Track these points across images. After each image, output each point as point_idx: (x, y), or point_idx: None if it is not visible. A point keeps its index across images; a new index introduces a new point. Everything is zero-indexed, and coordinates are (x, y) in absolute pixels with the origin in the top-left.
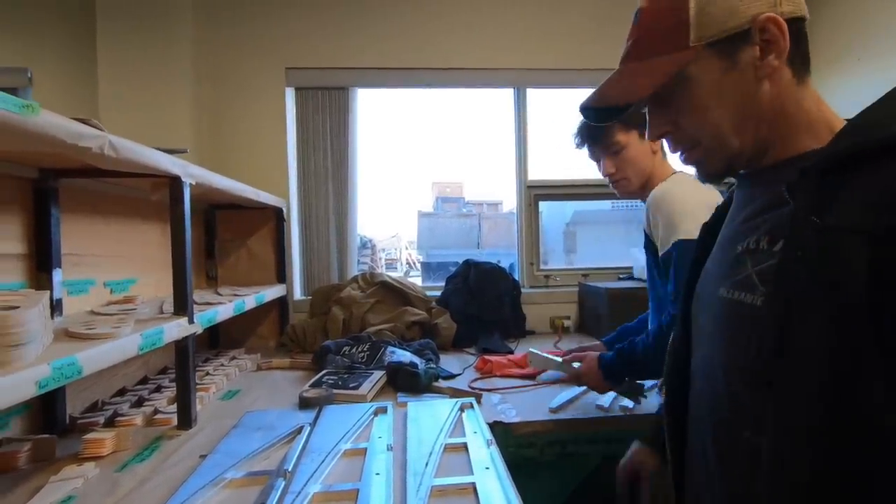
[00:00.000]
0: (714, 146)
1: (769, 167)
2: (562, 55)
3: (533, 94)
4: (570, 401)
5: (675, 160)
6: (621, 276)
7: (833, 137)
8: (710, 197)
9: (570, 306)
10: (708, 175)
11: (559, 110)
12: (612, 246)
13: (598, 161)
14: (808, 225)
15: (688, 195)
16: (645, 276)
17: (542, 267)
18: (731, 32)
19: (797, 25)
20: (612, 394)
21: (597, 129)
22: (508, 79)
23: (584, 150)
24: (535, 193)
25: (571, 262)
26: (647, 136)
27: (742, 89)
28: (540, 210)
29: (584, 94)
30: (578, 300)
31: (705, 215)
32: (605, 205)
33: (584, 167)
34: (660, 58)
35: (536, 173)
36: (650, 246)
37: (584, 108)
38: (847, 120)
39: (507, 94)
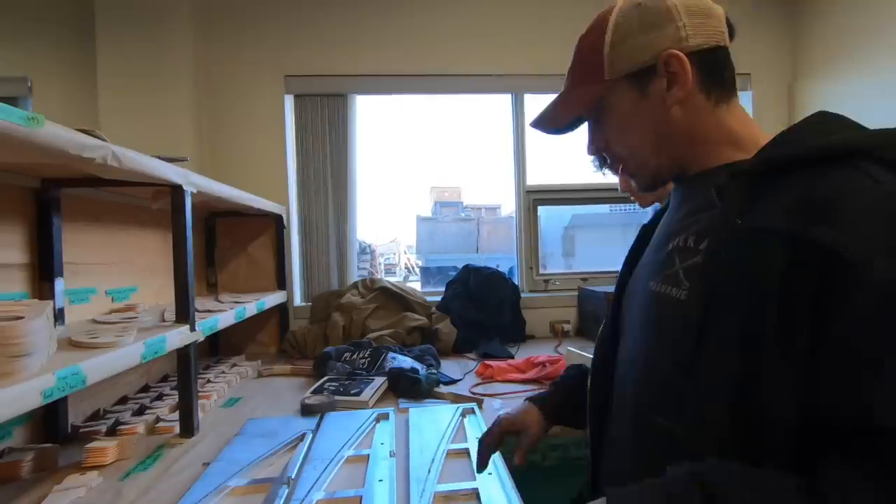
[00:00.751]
0: (636, 164)
1: (701, 174)
2: (558, 61)
3: (530, 100)
4: None
5: None
6: None
7: (760, 149)
8: None
9: (569, 310)
10: (640, 187)
11: None
12: (610, 249)
13: (618, 176)
14: (731, 225)
15: None
16: None
17: (541, 271)
18: (639, 67)
19: (711, 55)
20: None
21: None
22: (506, 84)
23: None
24: (534, 198)
25: (570, 266)
26: (586, 152)
27: (654, 116)
28: (539, 214)
29: None
30: (578, 304)
31: None
32: (604, 208)
33: (581, 171)
34: (583, 87)
35: (535, 178)
36: None
37: (531, 125)
38: (775, 136)
39: (504, 100)
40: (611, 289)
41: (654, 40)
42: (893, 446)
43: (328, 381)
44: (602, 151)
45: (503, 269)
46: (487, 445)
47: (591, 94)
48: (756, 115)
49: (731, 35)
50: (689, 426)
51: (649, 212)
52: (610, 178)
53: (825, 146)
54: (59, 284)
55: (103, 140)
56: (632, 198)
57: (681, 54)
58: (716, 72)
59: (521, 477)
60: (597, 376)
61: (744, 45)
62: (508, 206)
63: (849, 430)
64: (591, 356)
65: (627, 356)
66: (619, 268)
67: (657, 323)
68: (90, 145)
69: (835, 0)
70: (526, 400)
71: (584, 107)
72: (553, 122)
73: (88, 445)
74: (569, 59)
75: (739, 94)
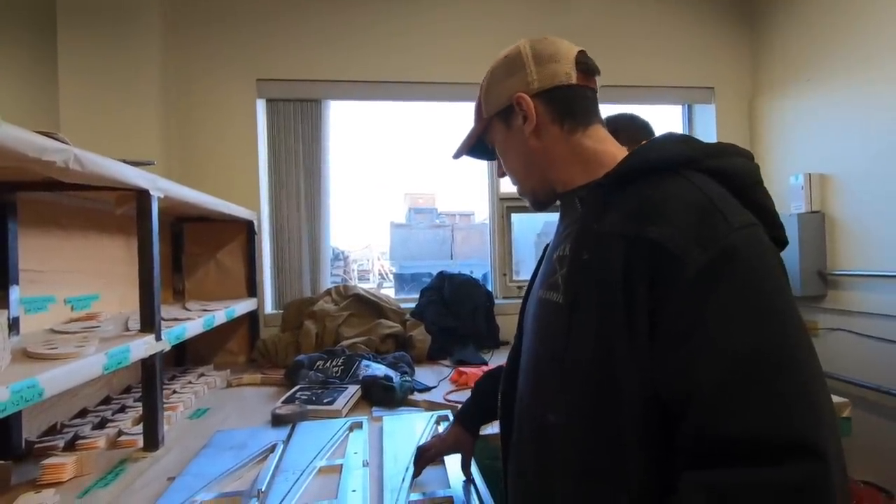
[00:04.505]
0: (518, 184)
1: (571, 191)
2: None
3: None
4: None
5: None
6: None
7: (617, 164)
8: None
9: None
10: (531, 205)
11: None
12: None
13: None
14: (589, 230)
15: None
16: None
17: (514, 278)
18: (501, 107)
19: (560, 92)
20: None
21: None
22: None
23: None
24: (507, 205)
25: None
26: (496, 174)
27: (518, 147)
28: (512, 221)
29: None
30: None
31: None
32: None
33: None
34: (476, 123)
35: (509, 186)
36: None
37: (454, 156)
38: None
39: None
40: None
41: (509, 85)
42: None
43: (300, 390)
44: (503, 175)
45: (477, 275)
46: (422, 460)
47: (476, 130)
48: (719, 128)
49: (590, 71)
50: (567, 417)
51: None
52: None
53: (656, 160)
54: (14, 293)
55: (65, 143)
56: None
57: (525, 96)
58: (564, 106)
59: (496, 483)
60: (505, 385)
61: (706, 62)
62: (482, 212)
63: (680, 402)
64: None
65: (524, 364)
66: None
67: (542, 327)
68: (51, 148)
69: (793, 21)
70: (455, 419)
71: (469, 143)
72: (463, 150)
73: (44, 461)
74: None
75: (704, 106)
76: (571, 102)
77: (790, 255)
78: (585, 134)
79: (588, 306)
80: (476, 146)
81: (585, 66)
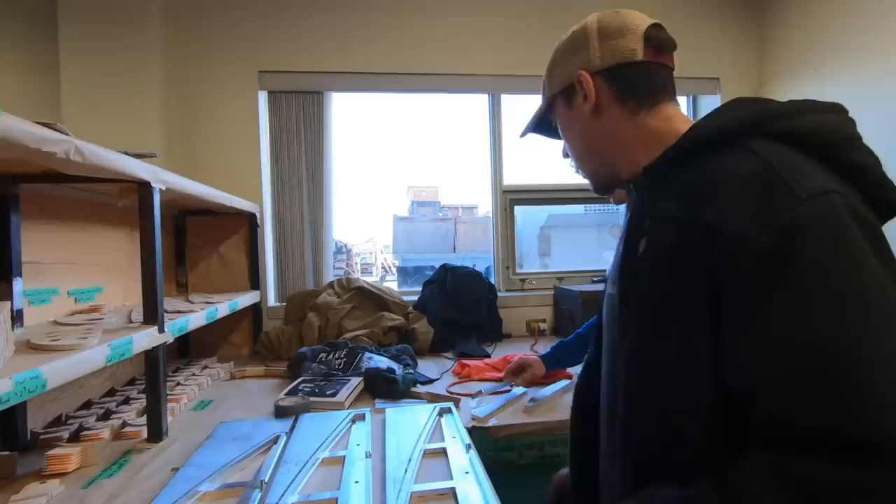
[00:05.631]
0: (580, 167)
1: (635, 179)
2: (535, 62)
3: (507, 100)
4: (500, 408)
5: None
6: (595, 278)
7: (669, 146)
8: None
9: (545, 309)
10: (593, 188)
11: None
12: (585, 249)
13: None
14: (642, 217)
15: None
16: None
17: (517, 270)
18: (563, 86)
19: (622, 70)
20: None
21: None
22: (482, 84)
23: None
24: (511, 198)
25: (546, 266)
26: (561, 155)
27: (580, 127)
28: (515, 214)
29: None
30: (554, 303)
31: None
32: (578, 208)
33: (557, 172)
34: (542, 103)
35: (511, 178)
36: None
37: (521, 135)
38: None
39: (482, 100)
40: (587, 288)
41: (571, 63)
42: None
43: (303, 382)
44: (567, 157)
45: (480, 268)
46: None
47: (540, 110)
48: None
49: (661, 46)
50: (631, 412)
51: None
52: (584, 179)
53: (712, 132)
54: (18, 285)
55: (66, 134)
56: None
57: (585, 74)
58: (626, 84)
59: (498, 475)
60: (583, 381)
61: (712, 52)
62: (485, 205)
63: (747, 394)
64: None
65: (603, 360)
66: (593, 267)
67: (608, 323)
68: (51, 139)
69: (799, 11)
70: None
71: (534, 121)
72: (528, 130)
73: (49, 452)
74: (546, 60)
75: (709, 97)
76: (635, 80)
77: None
78: (650, 113)
79: (643, 300)
80: (544, 124)
81: (656, 41)
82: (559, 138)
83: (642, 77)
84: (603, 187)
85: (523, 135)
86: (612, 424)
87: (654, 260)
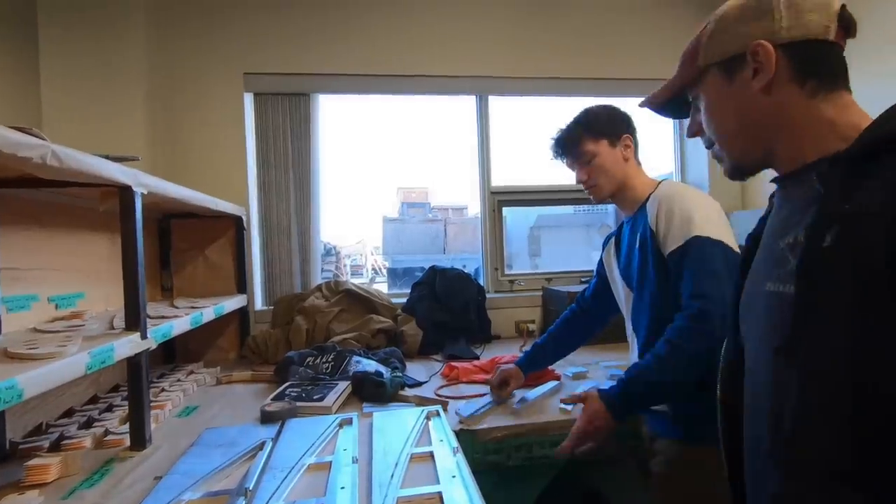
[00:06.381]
0: (723, 148)
1: (801, 169)
2: (523, 64)
3: (495, 102)
4: (485, 409)
5: (648, 168)
6: (583, 279)
7: (859, 135)
8: (715, 202)
9: (534, 310)
10: (727, 171)
11: (521, 117)
12: (574, 249)
13: (573, 170)
14: (832, 212)
15: (702, 197)
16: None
17: (508, 271)
18: (728, 55)
19: (808, 47)
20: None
21: (568, 141)
22: (470, 86)
23: (559, 160)
24: (499, 199)
25: (536, 266)
26: (685, 134)
27: (739, 103)
28: (504, 215)
29: (545, 102)
30: (543, 304)
31: (718, 216)
32: (568, 209)
33: (546, 173)
34: (682, 71)
35: (500, 179)
36: (645, 244)
37: (640, 105)
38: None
39: (469, 102)
40: (576, 288)
41: (747, 31)
42: None
43: (290, 386)
44: (697, 135)
45: (470, 269)
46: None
47: (680, 80)
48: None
49: (849, 29)
50: (808, 420)
51: (611, 210)
52: (573, 179)
53: None
54: None
55: (42, 139)
56: (586, 191)
57: (767, 45)
58: (811, 64)
59: (487, 478)
60: (725, 391)
61: None
62: (475, 206)
63: None
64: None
65: (753, 366)
66: (583, 267)
67: (774, 324)
68: (26, 144)
69: None
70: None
71: (670, 93)
72: (653, 99)
73: (29, 463)
74: (533, 62)
75: None
76: (819, 60)
77: None
78: (826, 98)
79: (835, 298)
80: (669, 100)
81: (847, 22)
82: (676, 117)
83: (827, 58)
84: (742, 171)
85: (649, 105)
86: (762, 423)
87: (854, 256)
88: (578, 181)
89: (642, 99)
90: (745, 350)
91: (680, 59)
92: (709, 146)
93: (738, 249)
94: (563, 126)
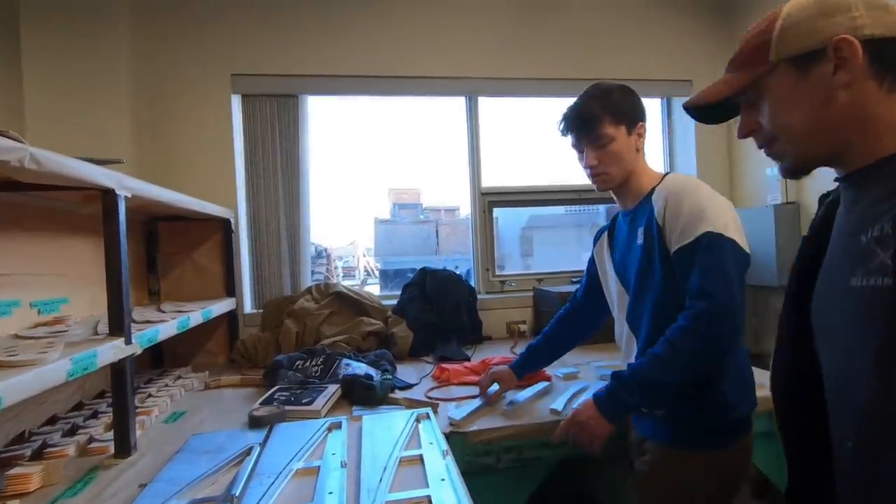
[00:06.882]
0: (791, 144)
1: (881, 161)
2: (513, 64)
3: (484, 103)
4: (474, 411)
5: (652, 163)
6: (574, 279)
7: None
8: (726, 199)
9: (525, 311)
10: (786, 170)
11: (511, 118)
12: (566, 249)
13: (581, 151)
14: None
15: (713, 191)
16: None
17: (500, 272)
18: (807, 50)
19: (887, 44)
20: (565, 396)
21: (586, 119)
22: (460, 87)
23: (564, 141)
24: (489, 200)
25: (529, 266)
26: (736, 134)
27: (814, 99)
28: (495, 216)
29: (535, 102)
30: (534, 305)
31: (731, 213)
32: (559, 209)
33: (536, 174)
34: (744, 70)
35: (490, 180)
36: (650, 239)
37: (684, 106)
38: None
39: (459, 102)
40: (566, 289)
41: (826, 26)
42: None
43: (279, 390)
44: (752, 135)
45: (462, 270)
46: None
47: (747, 76)
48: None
49: None
50: None
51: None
52: (564, 180)
53: None
54: None
55: (20, 141)
56: (590, 178)
57: (853, 39)
58: (889, 60)
59: (476, 480)
60: (790, 387)
61: (684, 55)
62: (467, 207)
63: None
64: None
65: (835, 371)
66: (574, 267)
67: (870, 317)
68: (3, 147)
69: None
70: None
71: (734, 89)
72: (705, 96)
73: (9, 472)
74: (522, 63)
75: (682, 99)
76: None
77: (767, 249)
78: None
79: None
80: (728, 98)
81: None
82: (717, 121)
83: None
84: (805, 168)
85: (693, 108)
86: (852, 432)
87: None
88: (587, 166)
89: (686, 98)
90: (821, 349)
91: (738, 58)
92: (764, 146)
93: (748, 250)
94: (580, 101)
